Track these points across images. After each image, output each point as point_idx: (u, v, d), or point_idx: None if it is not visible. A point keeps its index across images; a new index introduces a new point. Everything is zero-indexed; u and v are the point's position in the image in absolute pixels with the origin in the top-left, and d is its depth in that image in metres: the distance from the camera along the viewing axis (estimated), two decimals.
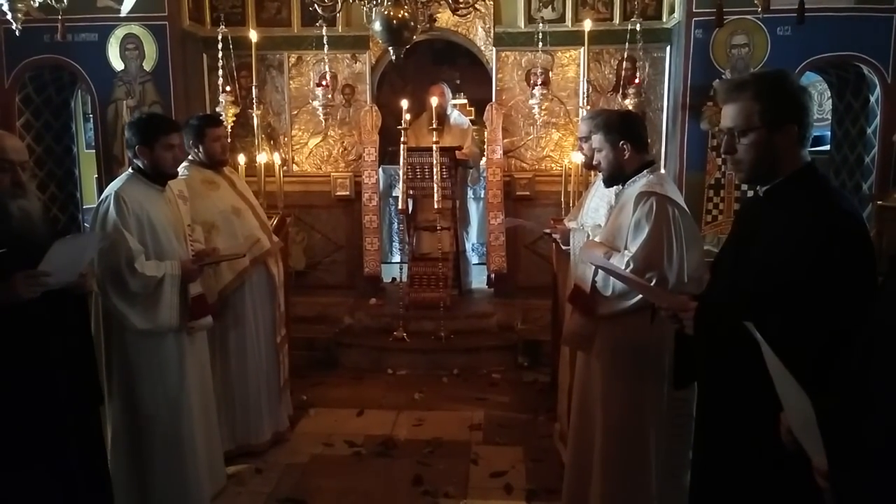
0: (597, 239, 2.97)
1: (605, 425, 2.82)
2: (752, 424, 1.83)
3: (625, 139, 2.80)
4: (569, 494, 3.13)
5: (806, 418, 1.43)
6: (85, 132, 7.41)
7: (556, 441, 4.02)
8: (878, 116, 5.24)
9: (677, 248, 2.61)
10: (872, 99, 5.30)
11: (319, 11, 3.69)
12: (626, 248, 2.69)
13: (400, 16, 3.52)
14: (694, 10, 5.26)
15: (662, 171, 2.92)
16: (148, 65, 5.55)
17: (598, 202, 3.47)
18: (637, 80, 5.54)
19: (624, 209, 2.77)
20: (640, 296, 2.51)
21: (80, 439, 2.56)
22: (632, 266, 2.59)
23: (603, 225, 3.35)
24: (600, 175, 3.60)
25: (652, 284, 2.50)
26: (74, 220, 6.35)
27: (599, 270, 2.69)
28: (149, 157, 3.12)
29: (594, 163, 3.00)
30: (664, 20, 5.77)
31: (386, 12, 3.51)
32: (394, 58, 3.82)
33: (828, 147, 6.13)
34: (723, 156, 2.01)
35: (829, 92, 6.01)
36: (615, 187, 3.23)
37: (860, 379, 1.45)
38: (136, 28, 5.49)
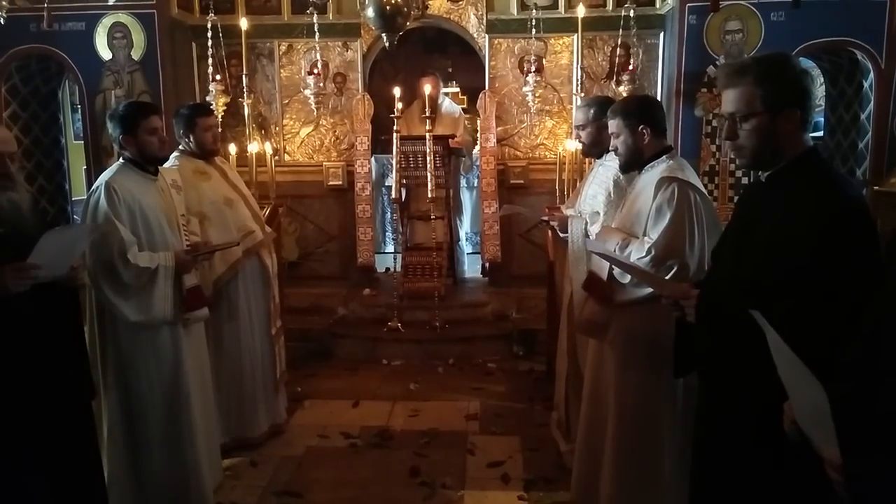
0: (613, 225, 2.92)
1: (617, 413, 2.79)
2: (753, 413, 1.82)
3: (644, 124, 2.73)
4: (578, 482, 3.10)
5: (816, 408, 1.40)
6: (73, 123, 7.33)
7: (553, 430, 4.00)
8: (872, 102, 5.22)
9: (699, 235, 2.55)
10: (866, 85, 5.29)
11: None
12: (645, 235, 2.63)
13: (393, 2, 3.47)
14: None
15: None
16: (136, 54, 5.48)
17: (596, 189, 3.45)
18: (631, 67, 5.51)
19: (642, 194, 2.70)
20: None
21: (71, 434, 2.52)
22: (653, 253, 2.54)
23: (601, 212, 3.33)
24: (597, 162, 3.61)
25: (672, 272, 2.46)
26: (64, 213, 6.28)
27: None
28: (134, 144, 3.07)
29: (611, 148, 2.94)
30: (657, 6, 5.74)
31: None
32: (387, 45, 3.79)
33: (821, 133, 6.12)
34: (724, 141, 1.98)
35: (822, 78, 5.99)
36: (616, 174, 3.22)
37: (870, 365, 1.42)
38: (123, 16, 5.42)
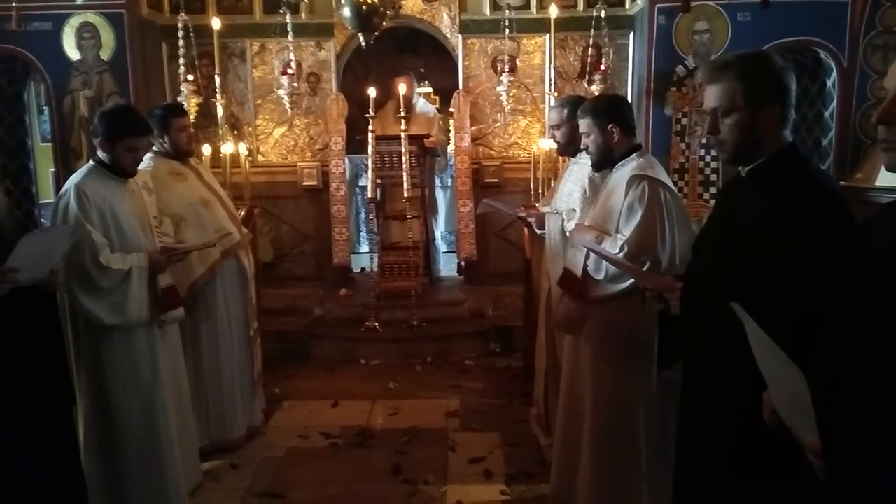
0: (586, 222, 2.98)
1: (594, 408, 2.84)
2: (737, 403, 1.85)
3: (613, 123, 2.80)
4: (557, 477, 3.15)
5: (796, 396, 1.43)
6: (39, 124, 7.19)
7: (533, 425, 4.05)
8: (835, 100, 5.37)
9: (669, 231, 2.63)
10: (829, 83, 5.43)
11: None
12: (618, 232, 2.70)
13: (370, 1, 3.47)
14: None
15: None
16: (105, 54, 5.40)
17: (571, 186, 3.49)
18: (602, 67, 5.59)
19: (614, 193, 2.77)
20: (633, 279, 2.53)
21: (52, 440, 2.48)
22: (626, 250, 2.60)
23: (577, 209, 3.38)
24: (572, 160, 3.65)
25: (645, 267, 2.52)
26: (31, 216, 6.15)
27: (591, 254, 2.71)
28: (109, 151, 3.03)
29: (582, 147, 3.00)
30: (627, 7, 5.83)
31: None
32: (364, 44, 3.79)
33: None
34: (706, 136, 2.02)
35: None
36: (590, 172, 3.26)
37: (846, 351, 1.46)
38: (92, 16, 5.34)
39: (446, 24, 5.97)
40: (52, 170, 5.74)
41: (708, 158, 5.49)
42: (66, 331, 2.98)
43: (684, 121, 5.49)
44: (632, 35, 5.83)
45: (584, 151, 3.03)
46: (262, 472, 3.70)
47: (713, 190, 5.47)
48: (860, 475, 1.36)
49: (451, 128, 6.35)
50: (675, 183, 5.52)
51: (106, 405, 3.06)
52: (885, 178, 4.72)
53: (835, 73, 5.33)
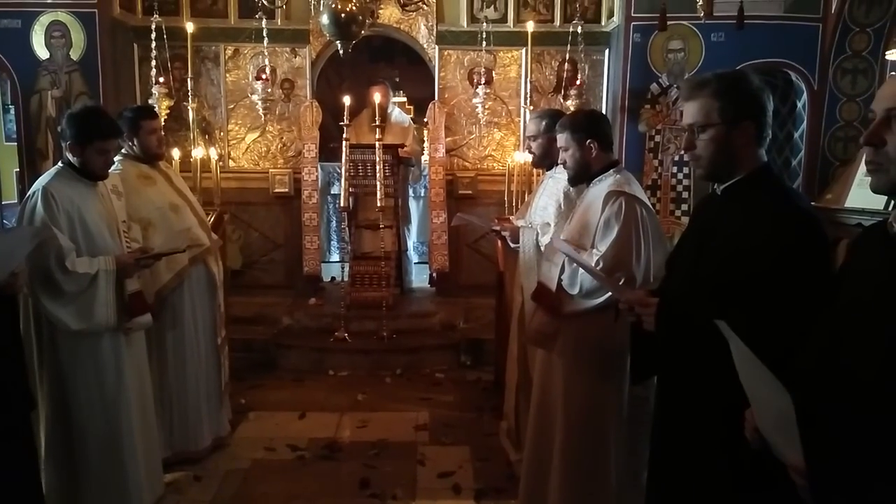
0: (561, 237, 2.97)
1: (565, 423, 2.81)
2: (712, 420, 1.85)
3: (591, 138, 2.81)
4: (526, 492, 3.11)
5: (780, 414, 1.42)
6: (4, 123, 7.02)
7: (503, 439, 4.02)
8: (805, 121, 5.47)
9: (645, 248, 2.63)
10: (799, 104, 5.53)
11: (265, 3, 3.57)
12: (593, 248, 2.70)
13: (348, 9, 3.45)
14: (632, 15, 5.38)
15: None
16: (75, 54, 5.30)
17: (546, 200, 3.49)
18: (578, 82, 5.62)
19: (591, 208, 2.77)
20: (607, 294, 2.51)
21: (9, 447, 2.40)
22: (601, 265, 2.59)
23: (552, 223, 3.38)
24: (547, 174, 3.66)
25: (620, 283, 2.51)
26: None
27: (566, 268, 2.69)
28: (79, 155, 2.97)
29: (560, 161, 2.99)
30: (603, 24, 5.88)
31: (334, 5, 3.43)
32: (341, 52, 3.76)
33: None
34: (683, 151, 2.04)
35: None
36: (566, 187, 3.27)
37: (826, 371, 1.46)
38: (62, 15, 5.23)
39: (423, 34, 5.97)
40: (17, 170, 5.59)
41: (680, 176, 5.55)
42: (28, 335, 2.90)
43: (657, 138, 5.54)
44: (607, 51, 5.88)
45: (562, 166, 3.03)
46: (227, 484, 3.61)
47: (685, 207, 5.52)
48: (844, 495, 1.36)
49: (426, 138, 6.33)
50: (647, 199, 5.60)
51: (68, 413, 2.99)
52: (854, 200, 4.78)
53: (805, 95, 5.43)
